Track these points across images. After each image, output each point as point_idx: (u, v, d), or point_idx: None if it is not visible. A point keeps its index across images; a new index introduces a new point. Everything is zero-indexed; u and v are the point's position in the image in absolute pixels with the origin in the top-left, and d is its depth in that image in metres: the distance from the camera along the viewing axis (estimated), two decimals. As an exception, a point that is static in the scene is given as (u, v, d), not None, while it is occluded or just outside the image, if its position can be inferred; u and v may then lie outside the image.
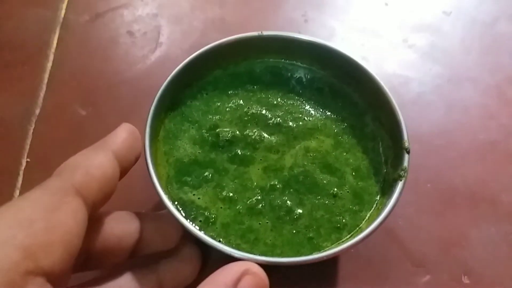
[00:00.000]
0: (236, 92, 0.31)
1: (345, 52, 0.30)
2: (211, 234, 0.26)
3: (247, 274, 0.20)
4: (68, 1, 0.41)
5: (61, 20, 0.40)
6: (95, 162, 0.22)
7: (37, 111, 0.36)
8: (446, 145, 0.36)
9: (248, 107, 0.30)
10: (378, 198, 0.27)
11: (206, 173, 0.27)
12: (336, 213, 0.27)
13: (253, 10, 0.42)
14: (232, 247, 0.23)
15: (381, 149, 0.29)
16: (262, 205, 0.27)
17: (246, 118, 0.29)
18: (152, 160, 0.25)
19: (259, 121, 0.29)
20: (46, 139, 0.35)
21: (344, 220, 0.27)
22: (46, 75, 0.37)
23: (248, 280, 0.20)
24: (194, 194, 0.27)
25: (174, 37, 0.40)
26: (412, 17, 0.43)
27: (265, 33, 0.30)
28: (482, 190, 0.34)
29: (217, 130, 0.29)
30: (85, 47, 0.39)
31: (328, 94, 0.31)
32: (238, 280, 0.20)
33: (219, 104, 0.30)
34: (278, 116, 0.30)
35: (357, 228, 0.26)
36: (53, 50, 0.39)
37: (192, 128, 0.29)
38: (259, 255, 0.24)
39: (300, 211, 0.27)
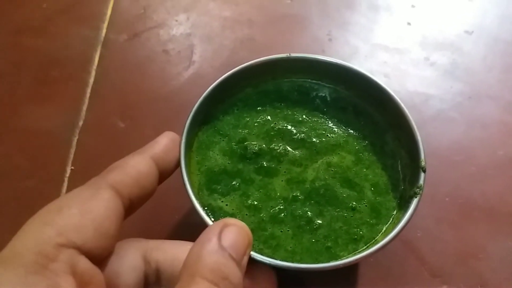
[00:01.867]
0: (265, 108, 0.33)
1: (368, 74, 0.32)
2: None
3: (227, 226, 0.22)
4: (108, 22, 0.45)
5: (102, 39, 0.44)
6: (130, 163, 0.25)
7: (80, 123, 0.39)
8: (465, 160, 0.37)
9: (275, 123, 0.32)
10: (394, 213, 0.29)
11: (234, 182, 0.30)
12: (354, 226, 0.28)
13: (280, 30, 0.44)
14: (256, 251, 0.25)
15: (399, 166, 0.31)
16: (284, 214, 0.28)
17: (272, 133, 0.32)
18: (186, 169, 0.28)
19: (285, 136, 0.31)
20: (89, 149, 0.38)
21: (361, 232, 0.28)
22: (89, 90, 0.41)
23: (229, 229, 0.22)
24: (222, 201, 0.29)
25: (206, 56, 0.42)
26: (434, 36, 0.44)
27: (293, 55, 0.32)
28: (500, 204, 0.35)
29: (245, 143, 0.31)
30: (124, 64, 0.42)
31: (351, 113, 0.33)
32: (220, 233, 0.22)
33: (248, 119, 0.32)
34: (303, 132, 0.32)
35: (373, 240, 0.28)
36: (95, 67, 0.42)
37: (223, 140, 0.31)
38: (280, 260, 0.26)
39: (319, 221, 0.28)
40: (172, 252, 0.24)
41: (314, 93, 0.34)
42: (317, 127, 0.32)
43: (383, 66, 0.42)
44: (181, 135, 0.29)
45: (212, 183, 0.30)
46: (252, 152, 0.31)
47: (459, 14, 0.46)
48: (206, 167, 0.30)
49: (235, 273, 0.21)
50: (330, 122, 0.32)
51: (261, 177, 0.30)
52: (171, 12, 0.45)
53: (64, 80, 0.41)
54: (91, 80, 0.41)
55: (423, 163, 0.28)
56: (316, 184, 0.29)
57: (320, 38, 0.44)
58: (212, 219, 0.28)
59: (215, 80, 0.31)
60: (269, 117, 0.32)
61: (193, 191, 0.27)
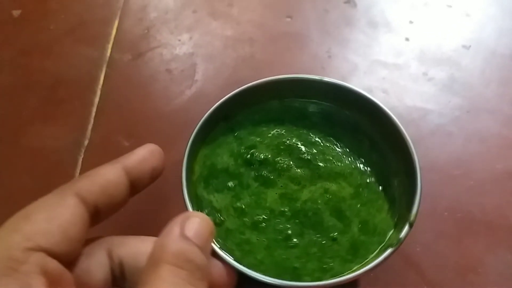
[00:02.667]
0: (283, 123, 0.34)
1: (393, 116, 0.31)
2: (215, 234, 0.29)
3: (188, 218, 0.23)
4: (113, 42, 0.46)
5: (107, 59, 0.45)
6: (100, 171, 0.26)
7: (86, 142, 0.40)
8: (464, 174, 0.37)
9: (288, 138, 0.33)
10: (371, 256, 0.28)
11: (231, 183, 0.31)
12: (328, 255, 0.29)
13: (280, 48, 0.45)
14: (226, 251, 0.27)
15: (395, 213, 0.30)
16: (265, 225, 0.29)
17: (282, 147, 0.32)
18: (187, 163, 0.29)
19: (293, 153, 0.32)
20: (93, 167, 0.38)
21: (332, 264, 0.28)
22: (94, 109, 0.42)
23: (191, 220, 0.23)
24: (214, 196, 0.31)
25: (208, 74, 0.43)
26: (432, 51, 0.45)
27: (325, 79, 0.33)
28: (499, 218, 0.35)
29: (253, 150, 0.32)
30: (128, 83, 0.43)
31: (366, 147, 0.33)
32: (183, 224, 0.23)
33: (265, 129, 0.34)
34: (311, 154, 0.32)
35: (342, 275, 0.27)
36: (100, 86, 0.43)
37: (235, 142, 0.33)
38: (245, 266, 0.26)
39: (296, 241, 0.29)
40: (133, 247, 0.25)
41: (337, 119, 0.34)
42: (327, 152, 0.32)
43: (382, 82, 0.43)
44: (195, 127, 0.30)
45: (211, 178, 0.31)
46: (257, 159, 0.32)
47: (456, 29, 0.47)
48: (210, 161, 0.32)
49: (199, 257, 0.22)
50: (341, 151, 0.33)
51: (257, 184, 0.31)
52: (174, 32, 0.46)
53: (70, 100, 0.42)
54: (97, 99, 0.42)
55: (412, 217, 0.27)
56: (307, 206, 0.30)
57: (319, 55, 0.45)
58: (196, 208, 0.29)
59: (228, 93, 0.32)
60: (284, 132, 0.33)
61: (187, 182, 0.28)
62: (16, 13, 0.48)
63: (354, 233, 0.29)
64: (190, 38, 0.46)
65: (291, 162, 0.32)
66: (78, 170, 0.38)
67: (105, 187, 0.25)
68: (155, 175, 0.28)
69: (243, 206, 0.30)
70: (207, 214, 0.30)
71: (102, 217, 0.25)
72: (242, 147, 0.32)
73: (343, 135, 0.33)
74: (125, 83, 0.43)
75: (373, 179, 0.31)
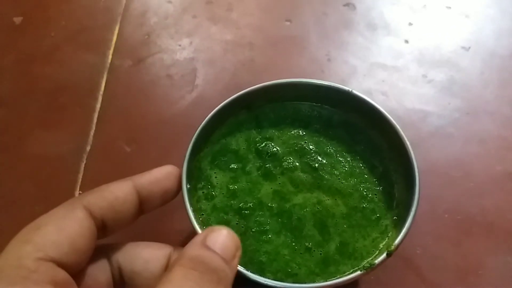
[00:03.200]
0: (307, 126, 0.34)
1: (408, 143, 0.30)
2: (201, 206, 0.30)
3: (213, 231, 0.24)
4: (114, 48, 0.46)
5: (108, 65, 0.45)
6: (110, 187, 0.26)
7: (88, 148, 0.40)
8: (463, 176, 0.38)
9: (305, 142, 0.33)
10: (339, 276, 0.28)
11: (234, 165, 0.32)
12: (296, 262, 0.29)
13: (280, 52, 0.45)
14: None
15: (382, 243, 0.29)
16: (247, 212, 0.30)
17: (296, 148, 0.33)
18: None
19: (303, 156, 0.32)
20: (96, 174, 0.39)
21: (297, 271, 0.28)
22: (96, 115, 0.42)
23: (214, 233, 0.24)
24: (215, 172, 0.32)
25: (209, 79, 0.44)
26: (432, 53, 0.45)
27: (355, 92, 0.32)
28: (499, 220, 0.35)
29: (267, 142, 0.33)
30: (129, 89, 0.44)
31: (380, 173, 0.32)
32: (206, 235, 0.24)
33: (287, 126, 0.34)
34: (321, 164, 0.32)
35: (301, 283, 0.27)
36: (101, 92, 0.43)
37: (255, 130, 0.34)
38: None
39: (271, 237, 0.29)
40: (130, 252, 0.26)
41: (360, 138, 0.33)
42: (337, 167, 0.32)
43: (381, 85, 0.43)
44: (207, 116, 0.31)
45: (219, 155, 0.32)
46: (268, 151, 0.32)
47: (455, 31, 0.47)
48: (225, 140, 0.33)
49: (217, 262, 0.23)
50: (352, 170, 0.32)
51: (257, 174, 0.32)
52: (174, 37, 0.47)
53: (72, 106, 0.43)
54: (98, 105, 0.43)
55: (393, 248, 0.27)
56: (295, 210, 0.30)
57: (319, 58, 0.45)
58: (195, 176, 0.31)
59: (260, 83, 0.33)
60: (303, 133, 0.34)
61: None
62: (17, 20, 0.48)
63: (330, 250, 0.29)
64: (190, 43, 0.46)
65: (298, 164, 0.32)
66: (80, 176, 0.38)
67: (113, 203, 0.26)
68: (166, 198, 0.28)
69: (236, 189, 0.31)
70: (202, 187, 0.31)
71: (109, 231, 0.26)
72: (259, 136, 0.33)
73: (361, 156, 0.32)
74: (126, 89, 0.44)
75: (372, 206, 0.30)
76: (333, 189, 0.31)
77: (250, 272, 0.27)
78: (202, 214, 0.30)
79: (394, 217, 0.30)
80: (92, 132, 0.41)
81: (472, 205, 0.36)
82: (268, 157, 0.32)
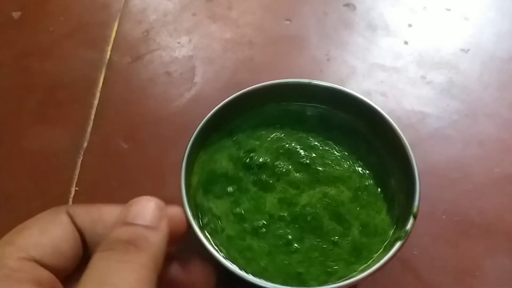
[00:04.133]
0: (282, 126, 0.34)
1: (392, 122, 0.31)
2: (216, 241, 0.29)
3: (129, 207, 0.24)
4: (112, 44, 0.46)
5: (106, 61, 0.45)
6: (100, 207, 0.25)
7: (85, 145, 0.40)
8: (462, 178, 0.37)
9: (287, 142, 0.33)
10: (376, 255, 0.28)
11: (230, 188, 0.31)
12: (330, 259, 0.28)
13: (279, 50, 0.45)
14: (229, 259, 0.27)
15: (395, 211, 0.30)
16: (265, 230, 0.29)
17: (281, 151, 0.32)
18: (186, 175, 0.28)
19: (292, 157, 0.32)
20: (93, 170, 0.39)
21: (336, 267, 0.28)
22: (93, 112, 0.42)
23: (130, 209, 0.24)
24: (213, 203, 0.30)
25: (208, 77, 0.44)
26: (431, 55, 0.45)
27: (323, 83, 0.33)
28: (497, 222, 0.35)
29: (252, 154, 0.32)
30: (127, 86, 0.44)
31: (363, 151, 0.33)
32: (124, 216, 0.23)
33: (264, 132, 0.33)
34: (310, 158, 0.32)
35: (348, 277, 0.27)
36: (99, 89, 0.43)
37: (234, 147, 0.33)
38: (251, 274, 0.26)
39: (297, 246, 0.29)
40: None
41: (335, 123, 0.34)
42: (326, 156, 0.32)
43: (380, 85, 0.43)
44: (191, 136, 0.30)
45: (209, 184, 0.31)
46: (256, 164, 0.32)
47: (455, 33, 0.47)
48: (209, 167, 0.31)
49: (138, 234, 0.22)
50: (340, 154, 0.32)
51: (256, 189, 0.31)
52: (173, 34, 0.47)
53: (70, 102, 0.42)
54: (96, 102, 0.42)
55: (415, 209, 0.28)
56: (306, 210, 0.30)
57: (318, 58, 0.45)
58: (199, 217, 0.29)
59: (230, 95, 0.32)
60: (283, 135, 0.33)
61: (186, 192, 0.28)
62: (16, 15, 0.48)
63: (355, 236, 0.29)
64: (190, 40, 0.46)
65: (290, 166, 0.32)
66: (77, 172, 0.38)
67: (96, 222, 0.25)
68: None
69: (242, 212, 0.30)
70: (207, 222, 0.29)
71: (88, 248, 0.25)
72: (241, 151, 0.32)
73: (341, 139, 0.33)
74: (125, 86, 0.44)
75: (371, 181, 0.31)
76: (332, 178, 0.31)
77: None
78: (221, 250, 0.28)
79: (398, 183, 0.31)
80: (89, 129, 0.41)
81: (471, 206, 0.36)
82: (258, 169, 0.31)
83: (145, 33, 0.47)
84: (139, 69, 0.44)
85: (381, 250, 0.29)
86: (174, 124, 0.41)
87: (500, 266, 0.33)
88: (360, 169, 0.32)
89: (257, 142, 0.33)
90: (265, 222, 0.29)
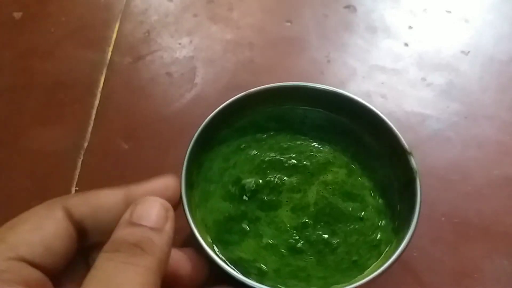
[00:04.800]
0: (248, 144, 0.32)
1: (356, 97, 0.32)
2: (269, 284, 0.27)
3: (135, 207, 0.23)
4: (113, 45, 0.46)
5: (107, 62, 0.45)
6: (97, 193, 0.25)
7: (85, 144, 0.40)
8: (461, 180, 0.38)
9: (263, 155, 0.32)
10: (398, 208, 0.30)
11: (243, 226, 0.29)
12: (368, 234, 0.29)
13: (279, 52, 0.45)
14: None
15: (388, 163, 0.31)
16: (301, 244, 0.29)
17: (264, 166, 0.31)
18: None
19: (276, 166, 0.31)
20: (93, 170, 0.39)
21: (378, 237, 0.29)
22: (94, 112, 0.42)
23: (136, 208, 0.23)
24: (239, 251, 0.28)
25: (208, 78, 0.44)
26: (431, 57, 0.45)
27: (260, 86, 0.32)
28: (496, 224, 0.35)
29: (241, 183, 0.31)
30: (128, 86, 0.44)
31: (328, 130, 0.33)
32: (130, 215, 0.23)
33: (236, 158, 0.32)
34: (292, 158, 0.32)
35: (393, 241, 0.28)
36: (100, 89, 0.43)
37: (218, 187, 0.31)
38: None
39: (336, 240, 0.29)
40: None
41: (291, 119, 0.33)
42: (304, 149, 0.32)
43: (381, 87, 0.43)
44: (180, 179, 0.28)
45: (222, 234, 0.29)
46: (250, 189, 0.30)
47: (455, 35, 0.47)
48: (211, 220, 0.30)
49: (143, 236, 0.22)
50: (314, 143, 0.33)
51: (265, 212, 0.30)
52: (174, 35, 0.47)
53: (70, 103, 0.43)
54: (96, 102, 0.42)
55: (407, 148, 0.29)
56: (320, 205, 0.30)
57: (318, 59, 0.45)
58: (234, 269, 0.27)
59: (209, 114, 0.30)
60: (255, 151, 0.32)
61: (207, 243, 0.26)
62: (17, 15, 0.48)
63: (371, 202, 0.30)
64: (190, 41, 0.46)
65: (281, 175, 0.31)
66: (77, 172, 0.38)
67: (97, 210, 0.24)
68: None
69: (270, 241, 0.29)
70: (247, 271, 0.27)
71: (90, 240, 0.24)
72: (229, 186, 0.31)
73: (305, 129, 0.33)
74: (125, 86, 0.44)
75: (353, 150, 0.32)
76: (322, 166, 0.32)
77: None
78: (281, 285, 0.27)
79: (373, 139, 0.32)
80: (90, 129, 0.41)
81: (469, 208, 0.36)
82: (255, 193, 0.30)
83: (146, 34, 0.47)
84: (140, 70, 0.45)
85: (397, 199, 0.30)
86: (175, 124, 0.41)
87: (498, 268, 0.33)
88: (337, 146, 0.32)
89: (237, 170, 0.31)
90: (296, 237, 0.29)
